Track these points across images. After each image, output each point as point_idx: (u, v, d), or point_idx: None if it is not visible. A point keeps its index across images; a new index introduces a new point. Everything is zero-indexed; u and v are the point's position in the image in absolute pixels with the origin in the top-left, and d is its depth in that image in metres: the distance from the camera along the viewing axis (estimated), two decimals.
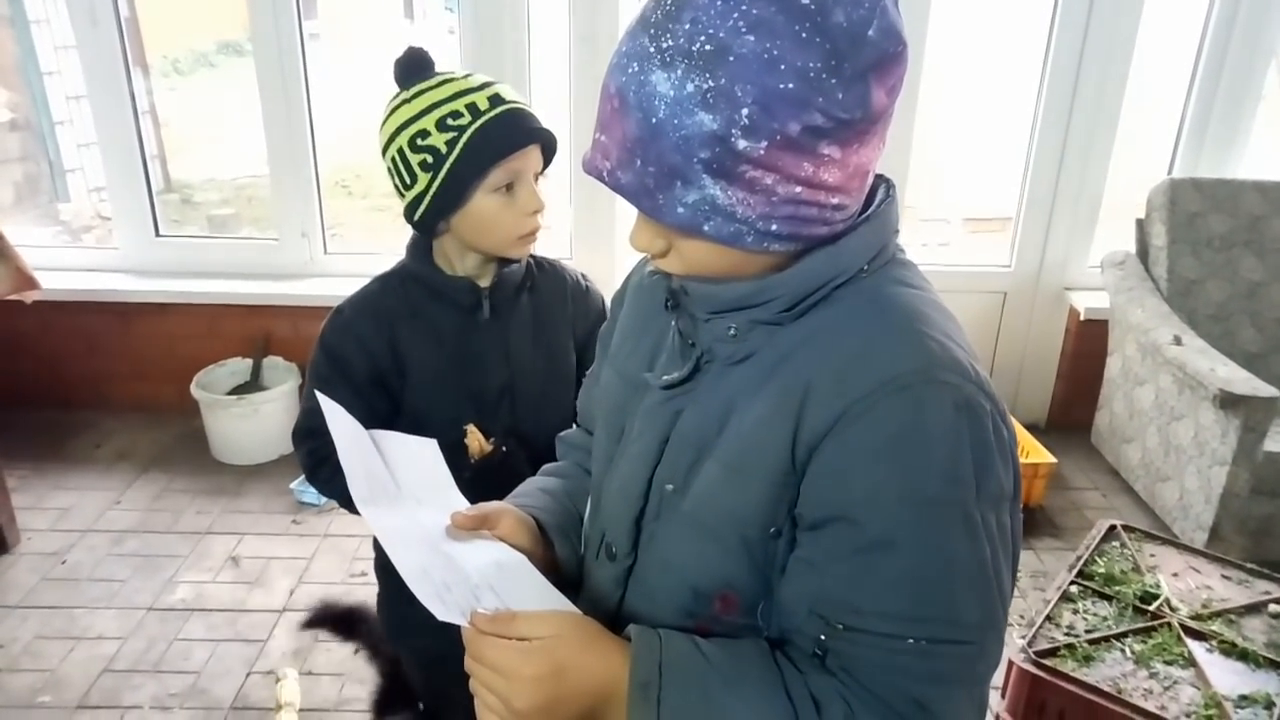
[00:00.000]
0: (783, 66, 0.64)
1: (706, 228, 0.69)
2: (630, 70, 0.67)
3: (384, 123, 1.24)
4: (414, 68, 1.24)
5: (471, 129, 1.17)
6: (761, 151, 0.66)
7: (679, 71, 0.65)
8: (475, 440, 1.26)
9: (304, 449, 1.31)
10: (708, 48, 0.64)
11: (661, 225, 0.73)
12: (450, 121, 1.17)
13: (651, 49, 0.66)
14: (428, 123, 1.18)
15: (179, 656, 2.23)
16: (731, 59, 0.64)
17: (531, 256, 1.36)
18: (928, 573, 0.69)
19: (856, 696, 0.70)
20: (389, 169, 1.25)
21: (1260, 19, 2.97)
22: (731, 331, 0.78)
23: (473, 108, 1.18)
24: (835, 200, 0.71)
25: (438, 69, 1.26)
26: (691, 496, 0.80)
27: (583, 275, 1.42)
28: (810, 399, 0.72)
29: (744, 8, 0.64)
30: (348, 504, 1.29)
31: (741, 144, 0.65)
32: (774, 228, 0.70)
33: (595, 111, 0.73)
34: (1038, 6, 3.07)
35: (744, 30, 0.64)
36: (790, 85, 0.64)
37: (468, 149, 1.17)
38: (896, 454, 0.69)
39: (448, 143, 1.18)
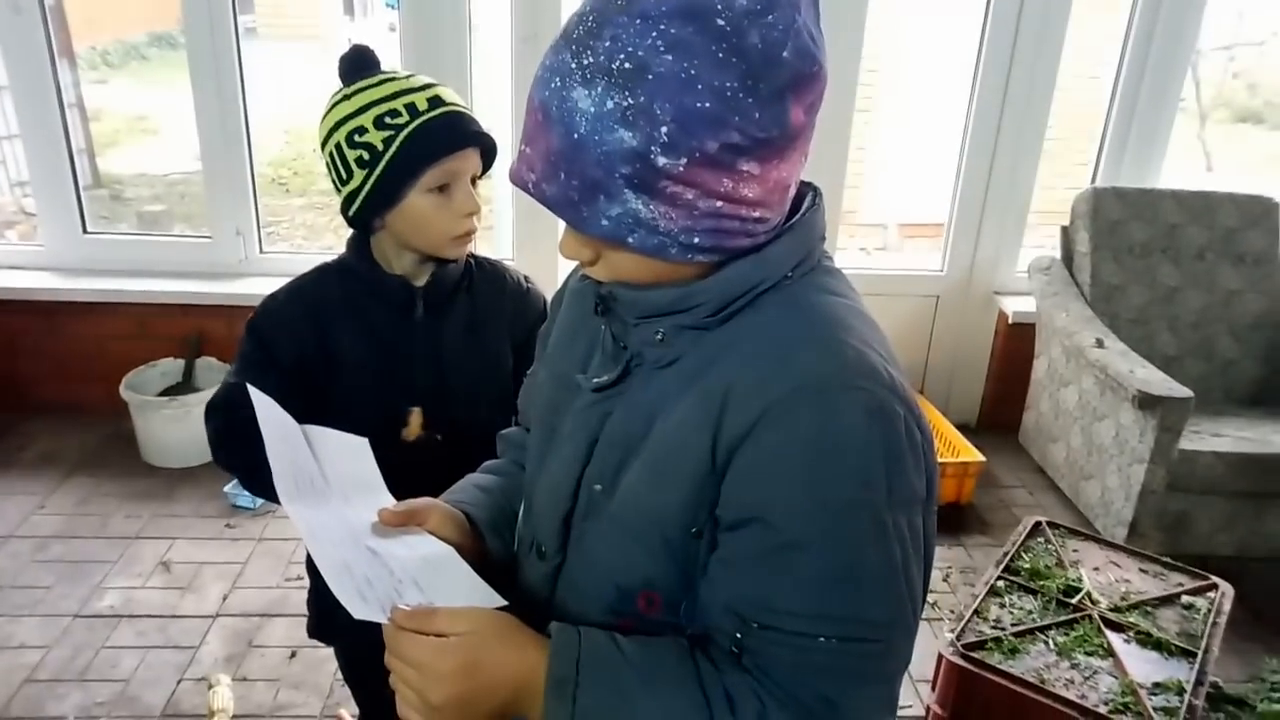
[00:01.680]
0: (700, 86, 0.65)
1: (630, 240, 0.71)
2: (553, 85, 0.69)
3: (324, 117, 1.24)
4: (358, 65, 1.24)
5: (408, 129, 1.18)
6: (681, 168, 0.67)
7: (599, 88, 0.66)
8: (415, 423, 1.27)
9: (214, 424, 1.29)
10: (627, 66, 0.65)
11: (586, 236, 0.74)
12: (388, 120, 1.18)
13: (573, 65, 0.67)
14: (366, 120, 1.19)
15: (106, 664, 2.17)
16: (650, 77, 0.65)
17: (472, 256, 1.36)
18: (838, 573, 0.71)
19: (770, 693, 0.72)
20: (327, 163, 1.24)
21: (1177, 35, 3.10)
22: (659, 336, 0.80)
23: (411, 108, 1.19)
24: (756, 214, 0.73)
25: (383, 68, 1.26)
26: (618, 497, 0.81)
27: (524, 277, 1.43)
28: (730, 402, 0.74)
29: (662, 27, 0.65)
30: (250, 483, 1.29)
31: (661, 160, 0.67)
32: (696, 240, 0.72)
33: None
34: (970, 18, 3.16)
35: (662, 50, 0.65)
36: (707, 104, 0.66)
37: (404, 148, 1.18)
38: (809, 457, 0.71)
39: (384, 141, 1.18)
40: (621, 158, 0.67)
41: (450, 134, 1.20)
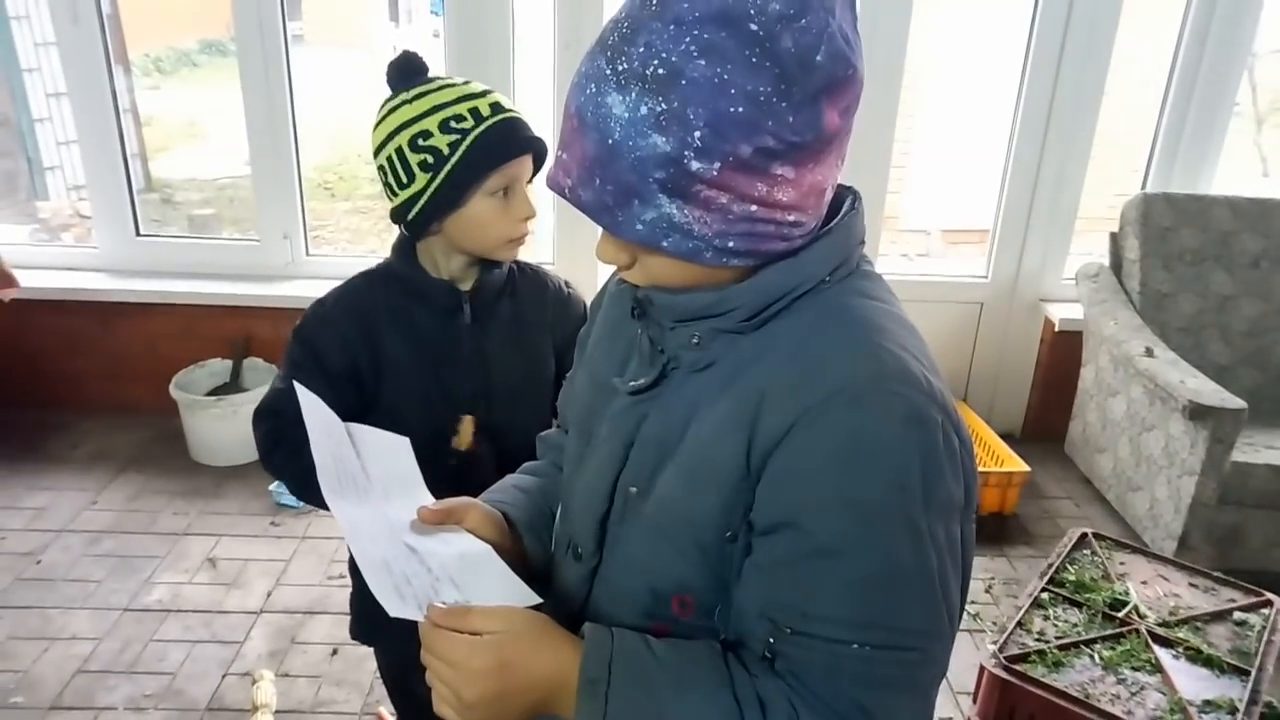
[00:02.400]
0: (733, 91, 0.65)
1: (665, 244, 0.71)
2: (588, 91, 0.69)
3: (381, 122, 1.25)
4: (407, 71, 1.26)
5: (475, 133, 1.20)
6: (715, 172, 0.67)
7: (633, 94, 0.67)
8: (467, 432, 1.28)
9: (263, 428, 1.32)
10: (660, 71, 0.66)
11: (622, 240, 0.75)
12: (454, 124, 1.20)
13: (608, 71, 0.68)
14: (430, 124, 1.20)
15: (154, 657, 2.22)
16: (684, 83, 0.65)
17: (515, 262, 1.37)
18: (873, 579, 0.71)
19: (802, 700, 0.72)
20: (382, 167, 1.25)
21: (1232, 38, 3.03)
22: (695, 340, 0.80)
23: (475, 113, 1.21)
24: (791, 217, 0.72)
25: (430, 74, 1.27)
26: (653, 500, 0.82)
27: (565, 282, 1.44)
28: (765, 406, 0.74)
29: (695, 33, 0.65)
30: (298, 490, 1.31)
31: (695, 165, 0.67)
32: (731, 244, 0.71)
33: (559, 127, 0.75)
34: (1017, 22, 3.12)
35: (695, 55, 0.65)
36: (741, 109, 0.66)
37: (470, 152, 1.20)
38: (844, 463, 0.70)
39: (450, 145, 1.19)
40: (655, 163, 0.67)
41: (512, 139, 1.22)
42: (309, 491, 1.25)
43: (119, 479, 2.95)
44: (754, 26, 0.65)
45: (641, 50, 0.66)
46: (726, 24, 0.65)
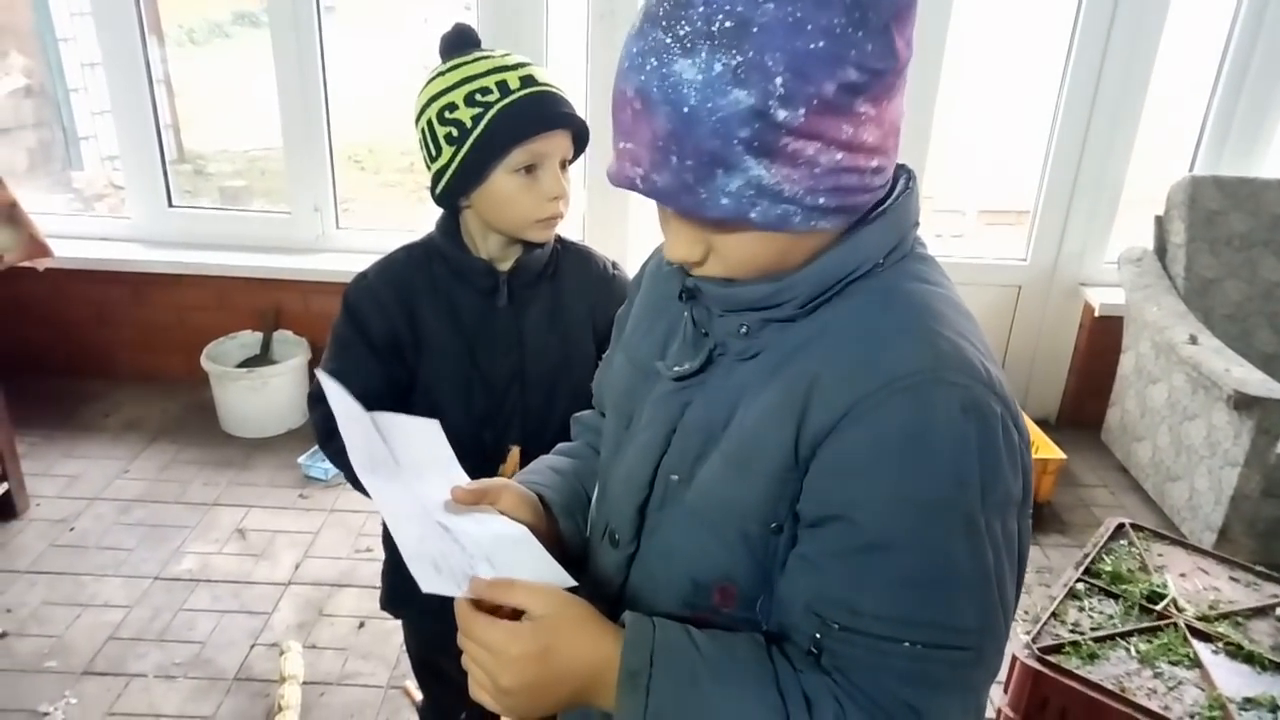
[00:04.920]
0: (809, 27, 0.62)
1: (753, 214, 0.67)
2: (649, 67, 0.65)
3: (420, 93, 1.23)
4: (457, 43, 1.23)
5: (497, 106, 1.16)
6: (802, 119, 0.64)
7: (703, 54, 0.63)
8: (513, 463, 1.26)
9: (318, 413, 1.31)
10: (728, 24, 0.62)
11: (704, 222, 0.70)
12: (479, 97, 1.16)
13: (668, 40, 0.64)
14: (457, 96, 1.17)
15: (184, 626, 2.24)
16: (755, 30, 0.62)
17: (560, 241, 1.34)
18: (926, 576, 0.68)
19: (849, 697, 0.70)
20: (419, 139, 1.24)
21: None
22: (743, 329, 0.77)
23: (503, 85, 1.17)
24: (874, 163, 0.69)
25: (483, 47, 1.25)
26: (695, 488, 0.80)
27: (612, 263, 1.40)
28: (815, 395, 0.72)
29: None
30: (354, 479, 1.29)
31: (781, 114, 0.63)
32: (821, 200, 0.68)
33: (610, 120, 0.71)
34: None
35: (761, 0, 0.62)
36: (821, 44, 0.62)
37: (491, 126, 1.16)
38: (899, 454, 0.68)
39: (473, 118, 1.16)
40: (739, 120, 0.63)
41: (539, 114, 1.18)
42: (358, 483, 1.24)
43: (150, 448, 2.97)
44: None
45: (701, 9, 0.63)
46: None
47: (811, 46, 0.62)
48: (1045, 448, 2.87)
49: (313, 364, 3.14)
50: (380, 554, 1.52)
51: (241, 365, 3.14)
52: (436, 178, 1.22)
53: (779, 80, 0.62)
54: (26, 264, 2.47)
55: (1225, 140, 3.11)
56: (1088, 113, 3.04)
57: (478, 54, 1.21)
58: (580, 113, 1.24)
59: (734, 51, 0.62)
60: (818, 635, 0.72)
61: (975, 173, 5.27)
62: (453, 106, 1.17)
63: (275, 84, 3.07)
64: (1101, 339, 3.21)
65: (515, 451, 1.26)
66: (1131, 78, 2.99)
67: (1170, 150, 3.63)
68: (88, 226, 3.35)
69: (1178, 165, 3.27)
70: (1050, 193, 3.18)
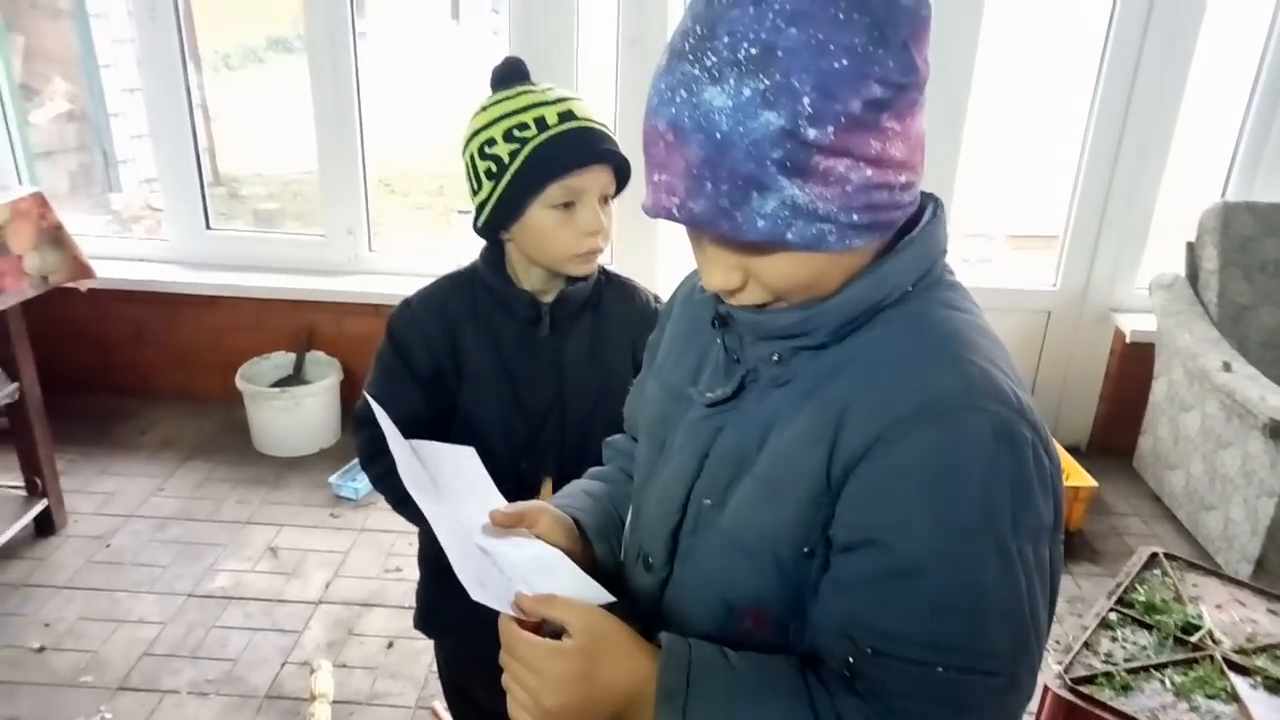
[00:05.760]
0: (832, 47, 0.64)
1: (790, 235, 0.68)
2: (679, 99, 0.67)
3: (466, 126, 1.26)
4: (507, 76, 1.25)
5: (534, 142, 1.18)
6: (831, 136, 0.65)
7: (731, 81, 0.65)
8: (546, 495, 1.27)
9: (363, 435, 1.33)
10: (754, 51, 0.64)
11: (741, 245, 0.72)
12: (516, 133, 1.18)
13: (696, 71, 0.66)
14: (496, 132, 1.20)
15: (216, 643, 2.27)
16: (780, 54, 0.64)
17: (604, 273, 1.35)
18: (959, 602, 0.69)
19: None
20: (465, 172, 1.26)
21: None
22: (775, 356, 0.78)
23: (540, 121, 1.19)
24: (903, 178, 0.71)
25: (531, 79, 1.26)
26: (728, 513, 0.80)
27: (655, 296, 1.41)
28: (848, 420, 0.73)
29: (777, 6, 0.64)
30: (396, 503, 1.31)
31: (811, 133, 0.65)
32: (855, 218, 0.69)
33: (641, 153, 0.73)
34: (1092, 22, 3.03)
35: (784, 26, 0.64)
36: (845, 62, 0.64)
37: (528, 162, 1.18)
38: (931, 480, 0.69)
39: (511, 154, 1.18)
40: (771, 141, 0.65)
41: (576, 150, 1.19)
42: (403, 507, 1.25)
43: (185, 466, 3.02)
44: None
45: (726, 40, 0.65)
46: None
47: (836, 65, 0.64)
48: (1076, 475, 2.84)
49: (344, 384, 3.17)
50: (410, 574, 1.54)
51: (275, 385, 3.18)
52: (478, 211, 1.25)
53: (807, 100, 0.64)
54: (70, 284, 2.53)
55: (1258, 166, 3.09)
56: (1118, 137, 3.03)
57: (520, 89, 1.23)
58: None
59: (761, 76, 0.64)
60: (851, 659, 0.72)
61: (1004, 197, 5.24)
62: (492, 142, 1.20)
63: (311, 108, 3.13)
64: (1133, 365, 3.18)
65: (549, 483, 1.27)
66: (1162, 101, 2.98)
67: (1201, 175, 3.61)
68: (127, 248, 3.42)
69: (1208, 190, 3.25)
70: (1080, 217, 3.16)
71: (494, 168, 1.20)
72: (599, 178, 1.22)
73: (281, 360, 3.27)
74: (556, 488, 1.05)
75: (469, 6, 12.87)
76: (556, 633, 0.77)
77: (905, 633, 0.70)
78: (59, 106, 4.54)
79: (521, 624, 0.78)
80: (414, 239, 6.18)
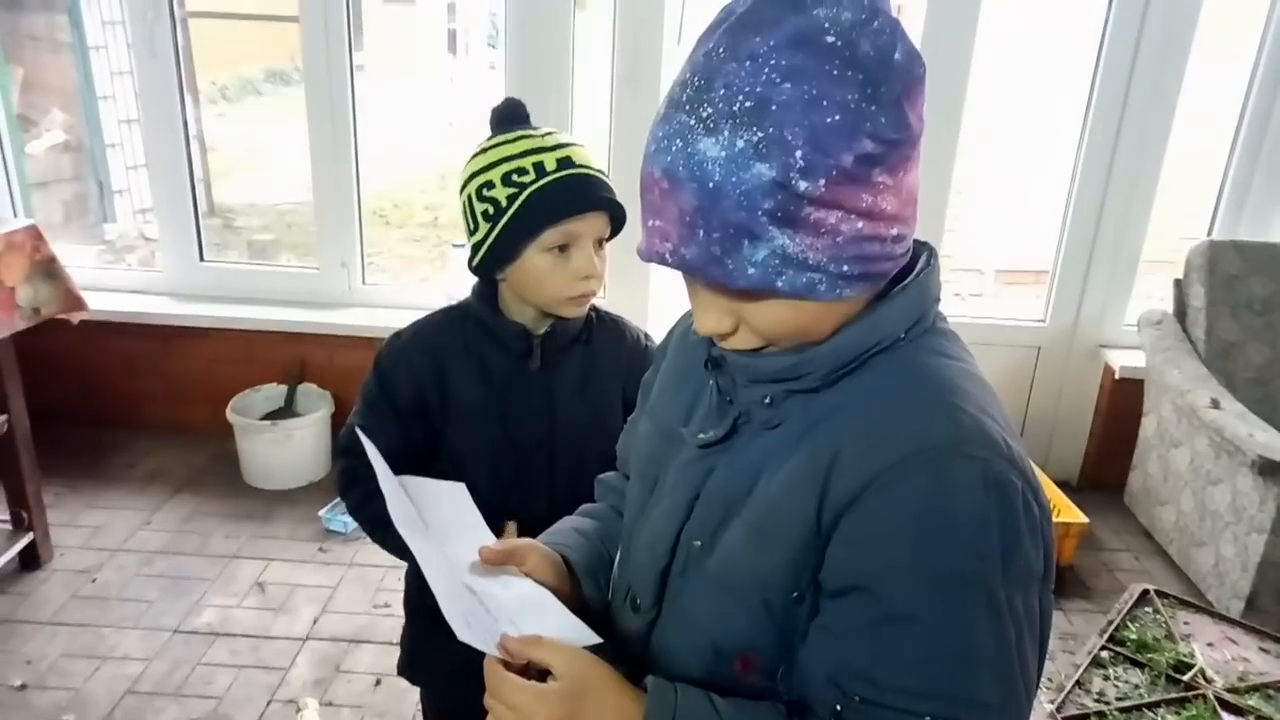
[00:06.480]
0: (825, 103, 0.65)
1: (780, 283, 0.69)
2: (674, 148, 0.68)
3: (464, 167, 1.28)
4: (507, 118, 1.27)
5: (532, 188, 1.20)
6: (822, 189, 0.66)
7: (725, 133, 0.66)
8: (510, 535, 1.26)
9: (341, 464, 1.34)
10: (748, 104, 0.65)
11: (732, 292, 0.73)
12: (515, 177, 1.20)
13: (692, 122, 0.67)
14: (495, 175, 1.21)
15: (201, 681, 2.24)
16: (774, 108, 0.65)
17: (595, 310, 1.36)
18: (947, 650, 0.69)
19: None
20: (462, 211, 1.28)
21: None
22: (767, 400, 0.79)
23: (539, 167, 1.20)
24: (894, 231, 0.71)
25: (531, 122, 1.28)
26: (718, 555, 0.80)
27: (645, 334, 1.42)
28: (838, 465, 0.73)
29: (774, 61, 0.65)
30: (372, 531, 1.31)
31: (802, 185, 0.66)
32: (845, 268, 0.70)
33: (637, 197, 0.74)
34: (1080, 59, 3.08)
35: (779, 81, 0.65)
36: (837, 117, 0.65)
37: (525, 206, 1.19)
38: (920, 527, 0.69)
39: (508, 198, 1.20)
40: (762, 192, 0.66)
41: (573, 196, 1.21)
42: (380, 535, 1.26)
43: (174, 499, 3.00)
44: (830, 39, 0.66)
45: (723, 92, 0.66)
46: (802, 45, 0.65)
47: (828, 120, 0.65)
48: (1067, 511, 2.84)
49: (335, 417, 3.16)
50: (398, 610, 1.52)
51: (266, 418, 3.17)
52: (474, 251, 1.26)
53: (799, 154, 0.65)
54: (62, 316, 2.53)
55: (1244, 205, 3.12)
56: (1105, 175, 3.07)
57: (520, 132, 1.25)
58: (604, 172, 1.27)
59: (755, 128, 0.65)
60: (839, 707, 0.72)
61: (994, 232, 5.29)
62: (490, 185, 1.21)
63: (307, 142, 3.15)
64: (1122, 401, 3.19)
65: (512, 526, 1.27)
66: (1149, 139, 3.01)
67: (1189, 212, 3.65)
68: (120, 279, 3.41)
69: (1197, 226, 3.29)
70: (1069, 254, 3.19)
71: (491, 210, 1.21)
72: (594, 223, 1.24)
73: (273, 393, 3.26)
74: (542, 525, 1.05)
75: (466, 41, 13.00)
76: (542, 675, 0.76)
77: (893, 681, 0.70)
78: (55, 137, 4.57)
79: (507, 666, 0.77)
80: (409, 270, 6.20)
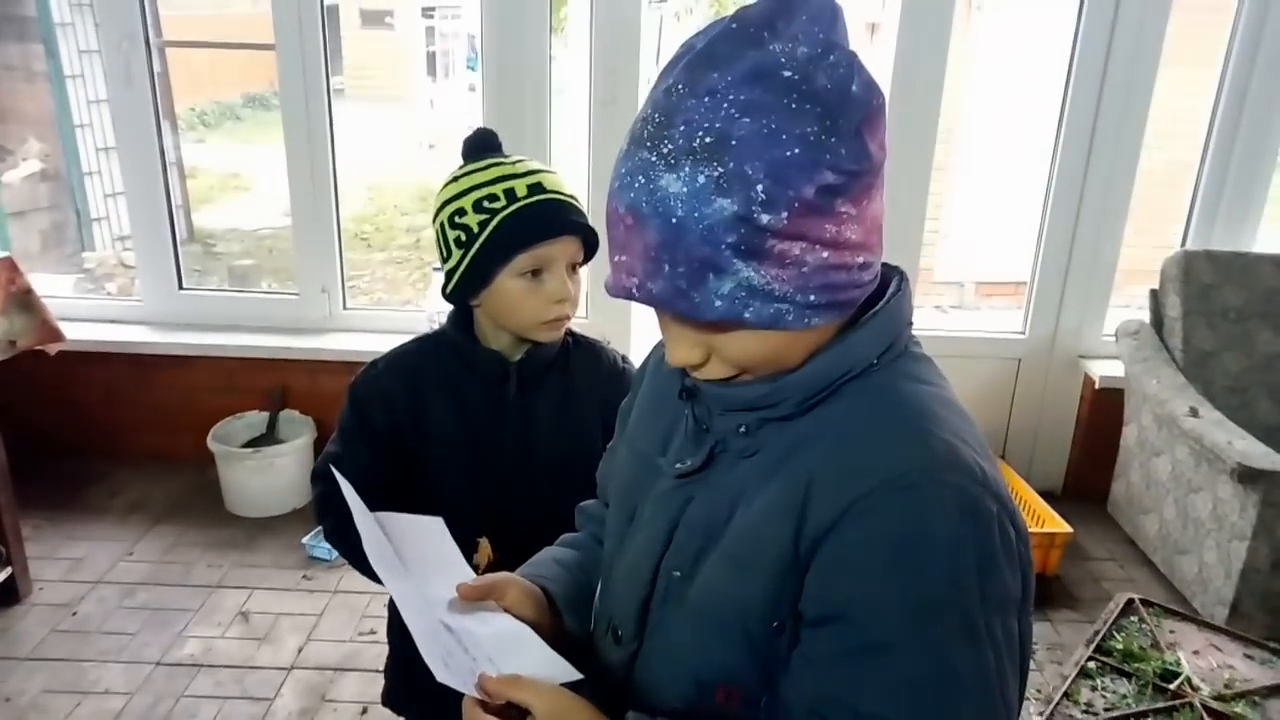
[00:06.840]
0: (784, 136, 0.66)
1: (747, 314, 0.69)
2: (637, 185, 0.69)
3: (436, 195, 1.29)
4: (479, 146, 1.28)
5: (503, 213, 1.20)
6: (785, 221, 0.67)
7: (686, 169, 0.66)
8: (484, 554, 1.27)
9: (317, 489, 1.33)
10: (708, 140, 0.66)
11: (700, 324, 0.73)
12: (486, 204, 1.21)
13: (654, 158, 0.68)
14: (466, 202, 1.22)
15: (185, 714, 2.21)
16: (734, 143, 0.65)
17: (570, 334, 1.36)
18: (925, 677, 0.69)
19: None
20: (435, 239, 1.29)
21: (1273, 92, 3.01)
22: (742, 429, 0.79)
23: (510, 193, 1.21)
24: (860, 258, 0.72)
25: (503, 151, 1.29)
26: (697, 585, 0.80)
27: (622, 357, 1.42)
28: (814, 494, 0.73)
29: (731, 97, 0.66)
30: (349, 556, 1.31)
31: (765, 218, 0.66)
32: (812, 298, 0.70)
33: (605, 232, 0.75)
34: (1053, 72, 3.12)
35: (738, 116, 0.66)
36: (797, 150, 0.66)
37: (496, 233, 1.20)
38: (897, 555, 0.69)
39: (480, 224, 1.21)
40: (725, 226, 0.66)
41: (544, 221, 1.21)
42: (355, 561, 1.26)
43: (155, 529, 2.97)
44: (787, 74, 0.66)
45: (682, 129, 0.67)
46: (760, 79, 0.66)
47: (788, 154, 0.66)
48: (1051, 521, 2.85)
49: (318, 443, 3.14)
50: (383, 637, 1.51)
51: (247, 445, 3.15)
52: (448, 278, 1.27)
53: (760, 187, 0.66)
54: (39, 348, 2.51)
55: (1215, 215, 3.17)
56: (1079, 187, 3.10)
57: (491, 160, 1.25)
58: (577, 191, 1.28)
59: (715, 164, 0.66)
60: None
61: (973, 245, 5.34)
62: (462, 212, 1.22)
63: (286, 169, 3.15)
64: (1103, 411, 3.21)
65: (485, 543, 1.27)
66: (1121, 152, 3.05)
67: (1164, 222, 3.70)
68: (99, 308, 3.39)
69: (1172, 236, 3.33)
70: (1046, 267, 3.22)
71: (464, 236, 1.22)
72: (566, 248, 1.24)
73: (254, 420, 3.24)
74: (522, 553, 1.05)
75: (445, 64, 13.04)
76: (523, 714, 0.76)
77: (874, 710, 0.69)
78: (32, 166, 4.54)
79: (486, 706, 0.77)
80: (392, 293, 6.19)
